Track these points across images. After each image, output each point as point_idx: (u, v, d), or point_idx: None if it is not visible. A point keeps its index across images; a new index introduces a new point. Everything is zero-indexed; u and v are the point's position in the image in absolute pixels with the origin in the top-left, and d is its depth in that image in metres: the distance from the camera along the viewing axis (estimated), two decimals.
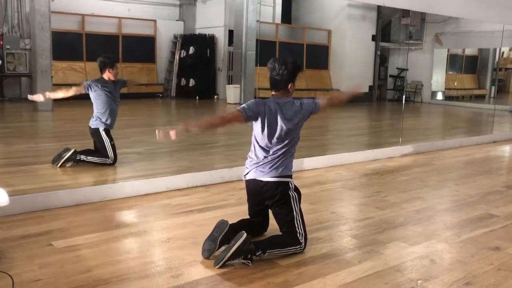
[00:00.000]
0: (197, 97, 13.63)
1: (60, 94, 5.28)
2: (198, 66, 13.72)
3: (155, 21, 13.90)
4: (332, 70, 15.31)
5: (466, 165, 6.48)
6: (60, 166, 5.01)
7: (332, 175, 5.37)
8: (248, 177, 3.15)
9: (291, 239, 3.04)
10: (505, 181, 5.46)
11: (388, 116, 13.54)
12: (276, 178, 3.07)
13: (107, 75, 5.20)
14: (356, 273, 2.84)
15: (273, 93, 3.15)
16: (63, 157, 5.02)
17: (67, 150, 5.07)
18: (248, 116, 3.03)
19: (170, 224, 3.61)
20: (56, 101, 9.97)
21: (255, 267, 2.86)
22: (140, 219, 3.80)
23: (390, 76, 16.90)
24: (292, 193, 3.11)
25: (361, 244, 3.31)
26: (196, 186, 4.59)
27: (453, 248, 3.32)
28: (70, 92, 5.16)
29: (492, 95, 17.80)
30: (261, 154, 3.09)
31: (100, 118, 5.19)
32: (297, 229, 3.06)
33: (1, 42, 11.33)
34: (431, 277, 2.83)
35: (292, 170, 3.19)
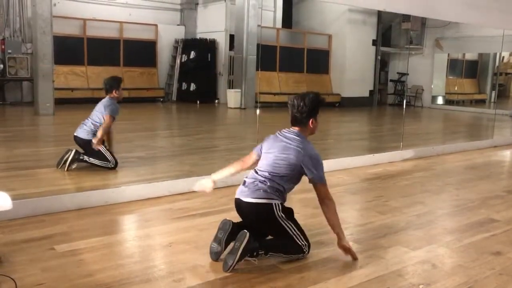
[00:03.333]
0: (198, 101, 13.66)
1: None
2: (199, 71, 13.75)
3: (156, 25, 13.95)
4: (333, 75, 15.34)
5: (467, 169, 6.49)
6: (67, 170, 5.03)
7: (334, 180, 5.38)
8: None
9: (296, 248, 3.03)
10: (506, 186, 5.46)
11: (388, 120, 13.56)
12: (258, 200, 2.96)
13: (113, 95, 5.27)
14: (357, 278, 2.85)
15: (291, 127, 3.12)
16: (66, 160, 5.03)
17: (69, 151, 5.09)
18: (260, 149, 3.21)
19: (172, 228, 3.62)
20: (57, 104, 10.02)
21: (257, 271, 2.86)
22: (142, 223, 3.80)
23: (391, 80, 16.93)
24: (279, 214, 2.98)
25: (362, 248, 3.32)
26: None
27: (454, 252, 3.33)
28: (105, 131, 5.25)
29: (492, 99, 17.80)
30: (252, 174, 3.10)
31: (93, 131, 5.21)
32: (299, 242, 3.02)
33: (3, 47, 11.37)
34: (432, 282, 2.83)
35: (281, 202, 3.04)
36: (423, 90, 16.32)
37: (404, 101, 10.12)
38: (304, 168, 3.00)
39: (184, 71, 14.05)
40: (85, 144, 5.23)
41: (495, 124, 10.07)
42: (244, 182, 3.09)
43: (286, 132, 3.11)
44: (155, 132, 8.97)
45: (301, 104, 3.02)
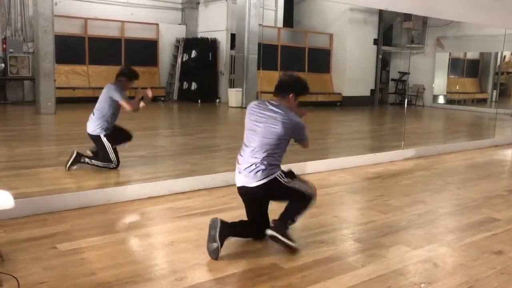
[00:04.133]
0: (199, 101, 13.66)
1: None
2: (200, 70, 13.75)
3: (157, 24, 13.95)
4: (334, 74, 15.33)
5: (468, 169, 6.49)
6: (68, 170, 5.03)
7: (335, 179, 5.38)
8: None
9: (303, 201, 3.20)
10: (507, 185, 5.46)
11: (390, 119, 13.55)
12: (263, 180, 3.13)
13: (123, 84, 5.23)
14: (359, 277, 2.85)
15: (274, 97, 3.29)
16: (68, 161, 5.05)
17: (72, 153, 5.10)
18: None
19: (174, 227, 3.62)
20: (59, 103, 10.03)
21: (258, 270, 2.87)
22: (143, 222, 3.81)
23: (392, 79, 16.91)
24: (284, 181, 3.18)
25: (364, 247, 3.32)
26: (199, 190, 4.60)
27: (455, 252, 3.33)
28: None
29: (494, 99, 17.77)
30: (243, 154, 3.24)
31: (104, 124, 5.16)
32: (307, 192, 3.19)
33: (4, 46, 11.38)
34: (433, 281, 2.84)
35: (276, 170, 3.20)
36: (424, 89, 16.30)
37: (405, 100, 10.12)
38: (292, 136, 3.23)
39: (185, 70, 14.05)
40: (94, 139, 5.21)
41: (496, 124, 10.06)
42: (240, 171, 3.21)
43: (269, 104, 3.22)
44: (156, 131, 8.97)
45: (291, 78, 3.32)
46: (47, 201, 3.82)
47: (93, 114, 5.22)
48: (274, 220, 3.23)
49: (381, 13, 15.20)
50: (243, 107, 12.57)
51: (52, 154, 6.17)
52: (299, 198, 3.20)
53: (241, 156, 3.24)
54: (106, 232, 3.43)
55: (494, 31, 10.35)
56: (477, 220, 4.06)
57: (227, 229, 3.05)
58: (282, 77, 3.37)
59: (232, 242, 3.25)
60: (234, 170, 4.96)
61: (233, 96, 12.85)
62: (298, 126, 3.22)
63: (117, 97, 5.11)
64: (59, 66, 11.40)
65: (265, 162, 3.12)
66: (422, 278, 2.87)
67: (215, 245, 2.98)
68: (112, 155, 5.16)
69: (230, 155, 6.61)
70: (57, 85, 10.37)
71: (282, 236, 3.12)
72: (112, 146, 5.18)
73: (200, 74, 13.74)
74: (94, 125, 5.17)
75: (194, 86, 13.82)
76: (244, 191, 3.24)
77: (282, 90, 3.28)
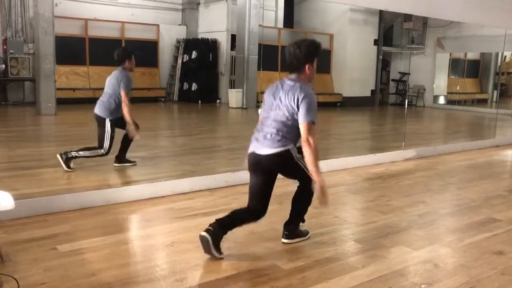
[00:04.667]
0: (200, 101, 13.66)
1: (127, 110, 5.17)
2: (200, 71, 13.76)
3: (157, 25, 13.96)
4: (334, 74, 15.33)
5: (468, 169, 6.49)
6: (69, 169, 5.03)
7: (335, 179, 5.38)
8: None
9: (308, 194, 3.23)
10: (508, 186, 5.46)
11: (390, 120, 13.55)
12: (276, 149, 3.08)
13: (126, 66, 5.20)
14: (359, 277, 2.85)
15: (289, 74, 3.19)
16: (62, 165, 5.03)
17: (59, 158, 5.08)
18: None
19: (174, 227, 3.62)
20: (59, 104, 10.04)
21: (259, 271, 2.87)
22: (144, 222, 3.81)
23: (392, 80, 16.91)
24: (296, 156, 3.15)
25: (364, 248, 3.32)
26: (200, 190, 4.60)
27: (456, 252, 3.33)
28: (128, 107, 5.13)
29: (494, 99, 17.77)
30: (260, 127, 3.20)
31: (111, 108, 5.13)
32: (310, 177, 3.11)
33: (5, 47, 11.39)
34: (434, 282, 2.83)
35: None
36: (424, 89, 16.30)
37: (406, 101, 10.13)
38: (294, 111, 3.04)
39: (186, 71, 14.06)
40: (98, 121, 5.16)
41: (497, 124, 10.06)
42: (257, 138, 3.15)
43: (286, 81, 3.15)
44: (157, 132, 8.96)
45: (297, 51, 3.09)
46: (48, 202, 3.82)
47: (102, 97, 5.22)
48: (285, 225, 3.36)
49: (381, 13, 15.21)
50: (243, 108, 12.58)
51: (53, 155, 6.13)
52: (303, 184, 3.23)
53: (257, 130, 3.20)
54: (106, 233, 3.43)
55: (494, 31, 10.35)
56: (478, 220, 4.06)
57: (220, 233, 3.02)
58: (288, 52, 3.12)
59: (232, 243, 3.25)
60: (234, 170, 5.01)
61: (234, 96, 12.85)
62: (306, 98, 3.02)
63: (122, 86, 5.11)
64: (60, 67, 11.42)
65: (281, 134, 3.08)
66: (422, 279, 2.86)
67: (215, 255, 3.00)
68: (107, 142, 5.11)
69: (230, 156, 6.62)
70: (58, 86, 10.39)
71: (299, 238, 3.36)
72: (111, 133, 5.14)
73: (200, 75, 13.74)
74: (102, 107, 5.15)
75: (194, 86, 13.83)
76: (253, 159, 3.15)
77: (295, 67, 3.13)
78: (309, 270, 2.93)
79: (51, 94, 9.76)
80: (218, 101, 14.16)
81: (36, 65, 9.99)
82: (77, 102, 11.38)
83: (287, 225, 3.36)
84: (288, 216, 3.39)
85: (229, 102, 13.08)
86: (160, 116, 11.93)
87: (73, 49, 12.36)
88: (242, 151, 6.83)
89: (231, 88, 13.73)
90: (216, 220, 3.05)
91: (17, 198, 3.67)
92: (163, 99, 13.99)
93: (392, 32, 16.63)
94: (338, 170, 5.78)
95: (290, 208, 3.38)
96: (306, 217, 3.44)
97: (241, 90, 12.78)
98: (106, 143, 5.13)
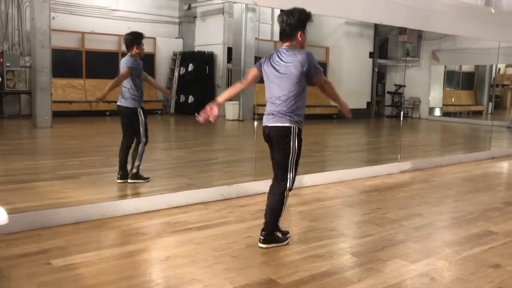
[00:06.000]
0: (196, 114, 13.60)
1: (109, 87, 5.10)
2: (197, 83, 13.80)
3: (154, 38, 14.02)
4: None
5: (465, 181, 6.49)
6: (147, 180, 5.26)
7: (332, 192, 5.37)
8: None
9: (279, 198, 3.41)
10: (504, 198, 5.46)
11: (386, 132, 13.59)
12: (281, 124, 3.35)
13: (134, 52, 5.11)
14: None
15: (283, 44, 3.36)
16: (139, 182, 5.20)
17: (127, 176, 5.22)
18: (260, 65, 3.43)
19: (169, 242, 3.59)
20: (55, 117, 10.02)
21: (255, 285, 2.84)
22: (139, 237, 3.78)
23: (388, 92, 17.00)
24: (293, 136, 3.35)
25: (361, 262, 3.30)
26: (196, 204, 4.58)
27: (453, 265, 3.31)
28: (116, 82, 5.07)
29: (489, 111, 17.87)
30: (267, 106, 3.43)
31: (137, 97, 5.11)
32: (288, 175, 3.38)
33: (1, 60, 11.41)
34: None
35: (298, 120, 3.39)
36: (420, 101, 16.38)
37: (401, 113, 10.15)
38: (307, 71, 3.27)
39: (182, 83, 14.09)
40: (129, 114, 5.12)
41: (492, 136, 10.09)
42: (269, 113, 3.40)
43: (280, 52, 3.34)
44: (153, 145, 8.92)
45: (290, 17, 3.27)
46: (42, 216, 3.79)
47: (123, 91, 5.17)
48: (262, 231, 3.46)
49: (376, 26, 15.34)
50: (240, 120, 12.60)
51: (48, 168, 6.15)
52: (277, 195, 3.40)
53: (266, 111, 3.43)
54: (101, 248, 3.40)
55: (488, 44, 10.44)
56: (475, 233, 4.05)
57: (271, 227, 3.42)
58: (281, 20, 3.32)
59: (228, 257, 3.23)
60: (230, 183, 4.99)
61: (230, 109, 12.88)
62: (306, 60, 3.25)
63: (123, 66, 5.06)
64: (56, 80, 11.42)
65: (288, 112, 3.30)
66: None
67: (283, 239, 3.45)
68: (142, 130, 5.13)
69: (227, 169, 6.61)
70: (54, 99, 10.38)
71: (277, 243, 3.45)
72: (145, 120, 5.16)
73: (197, 88, 13.78)
74: (128, 100, 5.09)
75: (191, 99, 13.86)
76: (265, 131, 3.44)
77: (287, 35, 3.31)
78: (306, 284, 2.90)
79: (47, 107, 9.75)
80: None
81: (33, 78, 9.99)
82: (73, 115, 11.35)
83: (262, 229, 3.48)
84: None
85: (225, 115, 13.10)
86: (157, 129, 11.91)
87: (69, 62, 12.39)
88: (237, 163, 6.83)
89: (227, 100, 13.74)
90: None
91: (11, 213, 3.64)
92: (159, 112, 14.00)
93: (387, 45, 16.77)
94: (334, 182, 5.77)
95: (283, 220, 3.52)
96: (301, 232, 3.45)
97: (237, 102, 12.82)
98: (143, 131, 5.15)
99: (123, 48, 5.23)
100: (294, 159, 3.39)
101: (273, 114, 3.37)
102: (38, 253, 3.24)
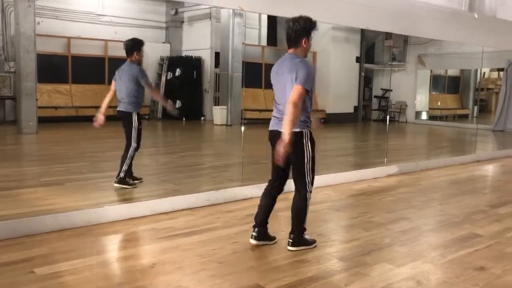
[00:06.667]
0: (184, 119, 13.63)
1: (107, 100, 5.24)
2: (184, 88, 13.76)
3: None
4: (318, 91, 15.45)
5: (450, 184, 6.55)
6: (135, 186, 5.28)
7: (319, 196, 5.38)
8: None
9: (302, 201, 3.51)
10: (489, 200, 5.52)
11: (373, 136, 13.67)
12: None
13: (134, 58, 5.23)
14: None
15: (288, 50, 3.47)
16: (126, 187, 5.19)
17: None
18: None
19: (156, 248, 3.57)
20: (41, 123, 9.91)
21: None
22: (125, 243, 3.75)
23: (375, 96, 17.13)
24: (306, 140, 3.45)
25: (347, 266, 3.31)
26: (182, 210, 4.56)
27: (438, 269, 3.33)
28: (111, 93, 5.23)
29: (474, 114, 18.11)
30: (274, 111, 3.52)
31: (135, 102, 5.21)
32: (306, 179, 3.51)
33: None
34: None
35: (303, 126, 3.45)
36: (406, 105, 16.53)
37: (388, 117, 10.24)
38: (295, 77, 3.31)
39: (170, 88, 14.03)
40: (124, 118, 5.26)
41: (477, 139, 10.21)
42: (276, 117, 3.49)
43: (285, 59, 3.46)
44: (140, 150, 8.88)
45: (296, 24, 3.37)
46: (26, 223, 3.74)
47: (120, 97, 5.25)
48: (290, 234, 3.55)
49: (363, 31, 15.47)
50: (228, 125, 12.58)
51: (33, 175, 6.07)
52: (299, 196, 3.51)
53: (273, 115, 3.52)
54: (86, 255, 3.36)
55: (473, 48, 10.58)
56: (460, 236, 4.08)
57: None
58: (287, 26, 3.40)
59: (215, 263, 3.21)
60: (217, 189, 4.98)
61: (218, 114, 12.86)
62: (301, 64, 3.32)
63: (143, 82, 5.25)
64: (42, 85, 11.29)
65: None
66: None
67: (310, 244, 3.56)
68: (134, 134, 5.22)
69: (214, 174, 6.59)
70: (39, 105, 10.26)
71: (306, 246, 3.56)
72: (138, 126, 5.24)
73: (184, 92, 13.74)
74: (125, 105, 5.22)
75: (178, 104, 13.80)
76: (271, 135, 3.51)
77: (292, 40, 3.41)
78: None
79: (32, 112, 9.63)
80: (202, 118, 14.15)
81: (17, 84, 9.87)
82: (59, 120, 11.22)
83: (290, 233, 3.56)
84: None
85: (213, 119, 13.08)
86: (144, 134, 11.78)
87: (55, 67, 12.26)
88: (225, 168, 6.81)
89: (215, 105, 13.75)
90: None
91: None
92: (146, 117, 13.90)
93: (373, 49, 16.91)
94: (322, 186, 5.77)
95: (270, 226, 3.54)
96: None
97: (225, 107, 12.80)
98: (135, 136, 5.22)
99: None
100: (310, 163, 3.50)
101: (279, 119, 3.46)
102: (22, 261, 3.19)
